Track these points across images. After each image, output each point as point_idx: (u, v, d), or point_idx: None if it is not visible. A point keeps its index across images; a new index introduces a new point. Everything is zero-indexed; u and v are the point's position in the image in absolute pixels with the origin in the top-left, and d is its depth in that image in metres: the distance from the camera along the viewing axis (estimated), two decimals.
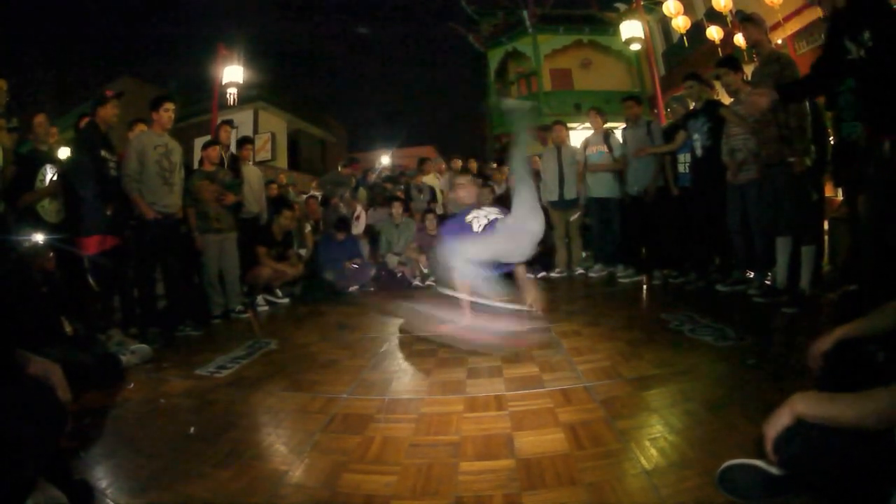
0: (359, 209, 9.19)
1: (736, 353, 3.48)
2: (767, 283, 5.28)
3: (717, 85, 6.95)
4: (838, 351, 1.88)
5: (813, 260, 4.74)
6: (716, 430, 2.31)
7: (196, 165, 7.07)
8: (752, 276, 5.59)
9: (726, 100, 6.53)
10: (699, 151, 6.00)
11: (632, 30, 13.76)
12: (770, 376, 2.98)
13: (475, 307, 4.37)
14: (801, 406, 1.51)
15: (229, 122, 7.84)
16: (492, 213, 4.51)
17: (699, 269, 6.29)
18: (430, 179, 10.30)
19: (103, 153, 5.16)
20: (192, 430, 2.79)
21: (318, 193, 10.75)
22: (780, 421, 1.55)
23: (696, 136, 6.02)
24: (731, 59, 5.70)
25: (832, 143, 5.18)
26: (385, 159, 24.32)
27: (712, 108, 5.90)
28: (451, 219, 5.24)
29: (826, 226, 5.81)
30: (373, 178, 11.05)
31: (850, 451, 1.43)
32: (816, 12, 8.99)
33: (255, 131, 22.77)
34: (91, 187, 4.98)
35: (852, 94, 4.41)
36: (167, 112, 5.66)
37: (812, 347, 1.99)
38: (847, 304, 4.44)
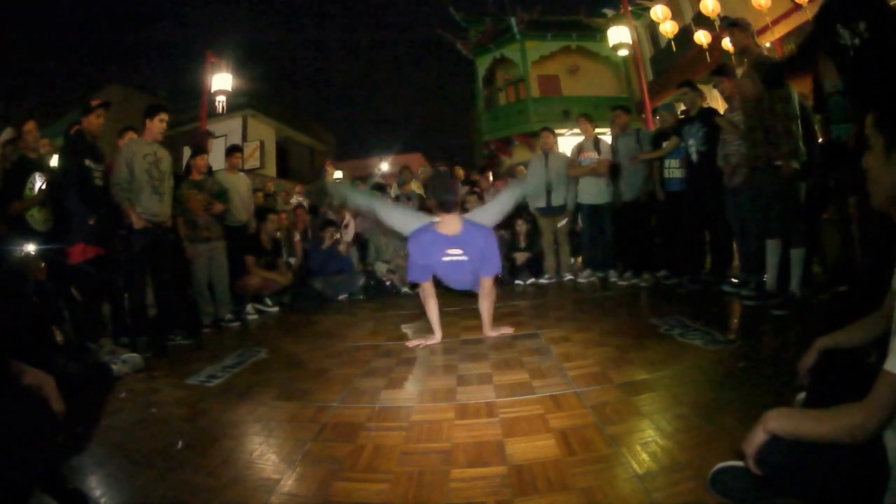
0: (347, 217, 9.19)
1: (726, 356, 3.49)
2: (764, 281, 5.29)
3: (707, 90, 7.03)
4: (825, 362, 1.89)
5: (802, 262, 4.76)
6: (707, 434, 2.32)
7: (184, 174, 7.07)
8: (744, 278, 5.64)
9: (719, 106, 6.60)
10: (694, 156, 6.09)
11: (619, 35, 13.80)
12: (760, 379, 2.99)
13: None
14: (774, 424, 1.50)
15: (209, 133, 7.85)
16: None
17: (690, 272, 6.33)
18: (414, 187, 10.30)
19: (87, 162, 5.14)
20: (179, 444, 2.77)
21: (303, 200, 10.75)
22: (755, 439, 1.54)
23: (690, 142, 6.11)
24: (726, 68, 5.79)
25: (821, 144, 5.22)
26: (384, 165, 24.42)
27: (707, 115, 5.99)
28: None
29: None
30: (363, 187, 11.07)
31: (832, 461, 1.43)
32: (804, 15, 9.07)
33: (244, 139, 22.72)
34: (74, 196, 4.97)
35: (842, 96, 4.46)
36: (162, 122, 5.65)
37: (799, 364, 2.00)
38: (837, 306, 4.47)
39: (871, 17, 3.51)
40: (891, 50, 3.43)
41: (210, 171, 7.26)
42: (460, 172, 10.39)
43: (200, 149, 7.09)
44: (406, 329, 5.24)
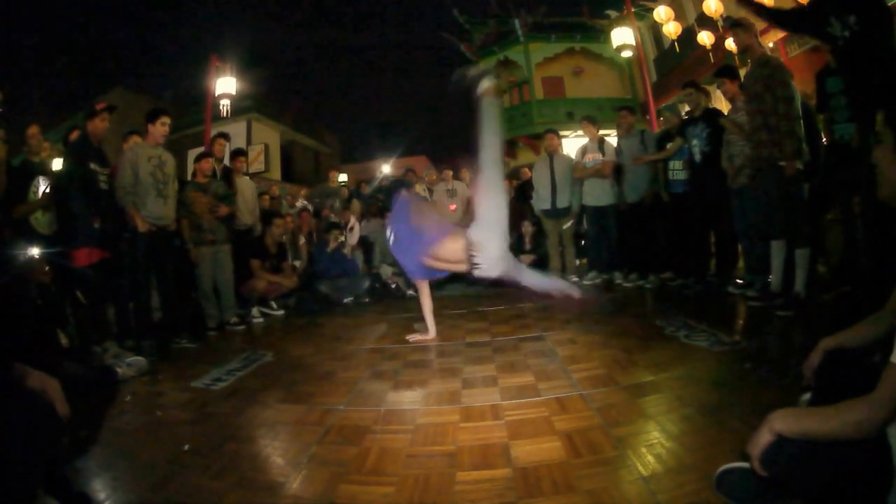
0: (352, 220, 9.18)
1: (731, 357, 3.49)
2: (769, 282, 5.29)
3: (711, 90, 7.03)
4: (830, 362, 1.89)
5: (807, 263, 4.74)
6: (712, 435, 2.31)
7: (189, 177, 7.07)
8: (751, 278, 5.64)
9: (723, 106, 6.60)
10: (698, 157, 6.10)
11: (623, 37, 13.72)
12: (766, 380, 2.98)
13: None
14: (780, 424, 1.50)
15: (224, 136, 7.83)
16: None
17: (695, 273, 6.32)
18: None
19: (93, 166, 5.15)
20: (185, 447, 2.77)
21: (307, 204, 10.76)
22: (760, 440, 1.54)
23: (694, 142, 6.11)
24: (729, 69, 5.81)
25: (825, 145, 5.22)
26: (386, 168, 24.41)
27: (712, 116, 6.00)
28: None
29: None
30: (367, 189, 11.10)
31: (837, 460, 1.43)
32: None
33: (249, 143, 22.80)
34: (79, 200, 4.98)
35: (844, 95, 4.46)
36: (164, 126, 5.66)
37: (804, 365, 2.00)
38: (842, 306, 4.46)
39: (862, 12, 3.54)
40: (876, 47, 3.47)
41: (227, 175, 7.28)
42: (466, 176, 10.37)
43: (205, 152, 7.10)
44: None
